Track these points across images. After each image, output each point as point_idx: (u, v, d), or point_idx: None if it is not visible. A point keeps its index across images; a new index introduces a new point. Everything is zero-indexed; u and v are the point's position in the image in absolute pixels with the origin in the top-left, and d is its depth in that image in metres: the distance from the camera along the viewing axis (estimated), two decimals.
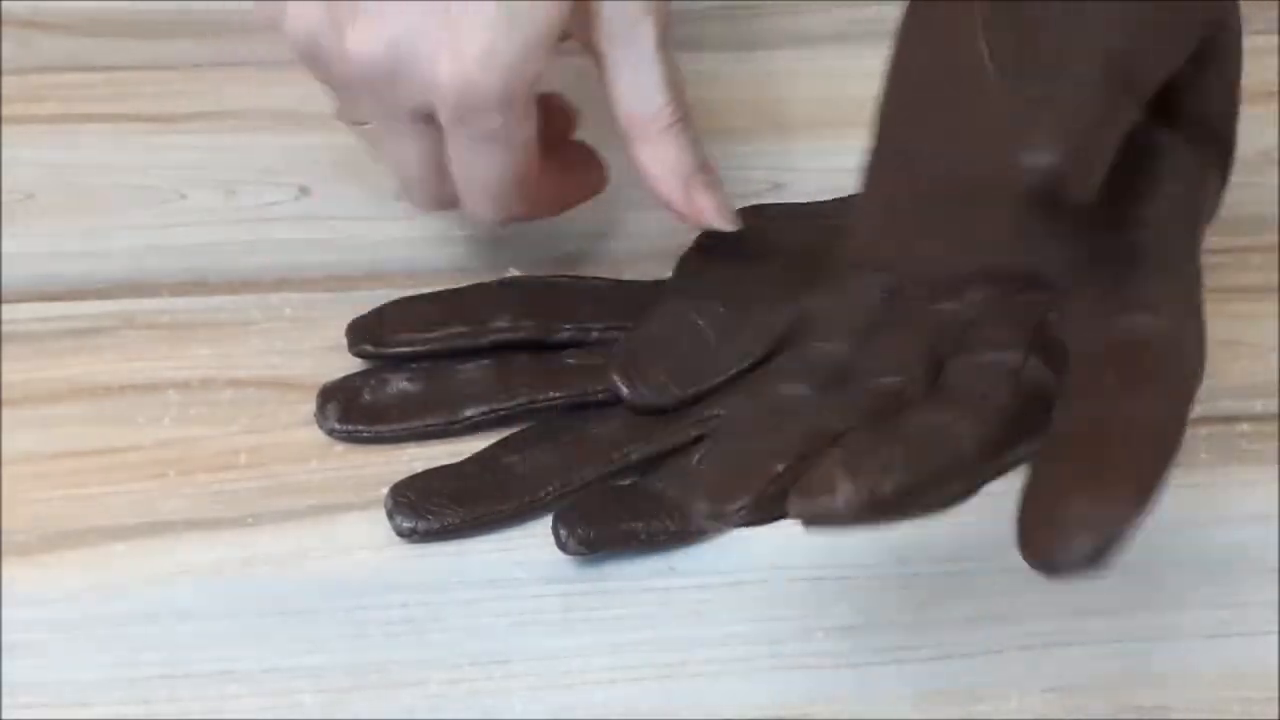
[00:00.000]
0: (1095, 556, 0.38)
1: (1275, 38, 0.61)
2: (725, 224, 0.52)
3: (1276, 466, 0.52)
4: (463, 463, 0.50)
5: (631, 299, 0.53)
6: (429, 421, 0.51)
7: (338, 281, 0.55)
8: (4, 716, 0.46)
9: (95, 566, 0.49)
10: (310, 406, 0.52)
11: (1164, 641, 0.48)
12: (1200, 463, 0.52)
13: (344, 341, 0.53)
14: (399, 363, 0.52)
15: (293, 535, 0.49)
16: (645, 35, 0.50)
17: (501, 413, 0.51)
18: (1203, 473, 0.51)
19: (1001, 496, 0.51)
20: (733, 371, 0.51)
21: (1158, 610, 0.49)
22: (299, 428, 0.52)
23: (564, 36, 0.50)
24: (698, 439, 0.50)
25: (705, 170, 0.51)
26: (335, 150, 0.58)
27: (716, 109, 0.60)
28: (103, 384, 0.53)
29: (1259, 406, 0.53)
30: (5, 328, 0.53)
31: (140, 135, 0.59)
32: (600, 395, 0.51)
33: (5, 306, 0.54)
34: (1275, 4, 0.62)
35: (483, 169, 0.51)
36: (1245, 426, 0.52)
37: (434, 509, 0.49)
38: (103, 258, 0.56)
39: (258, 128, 0.59)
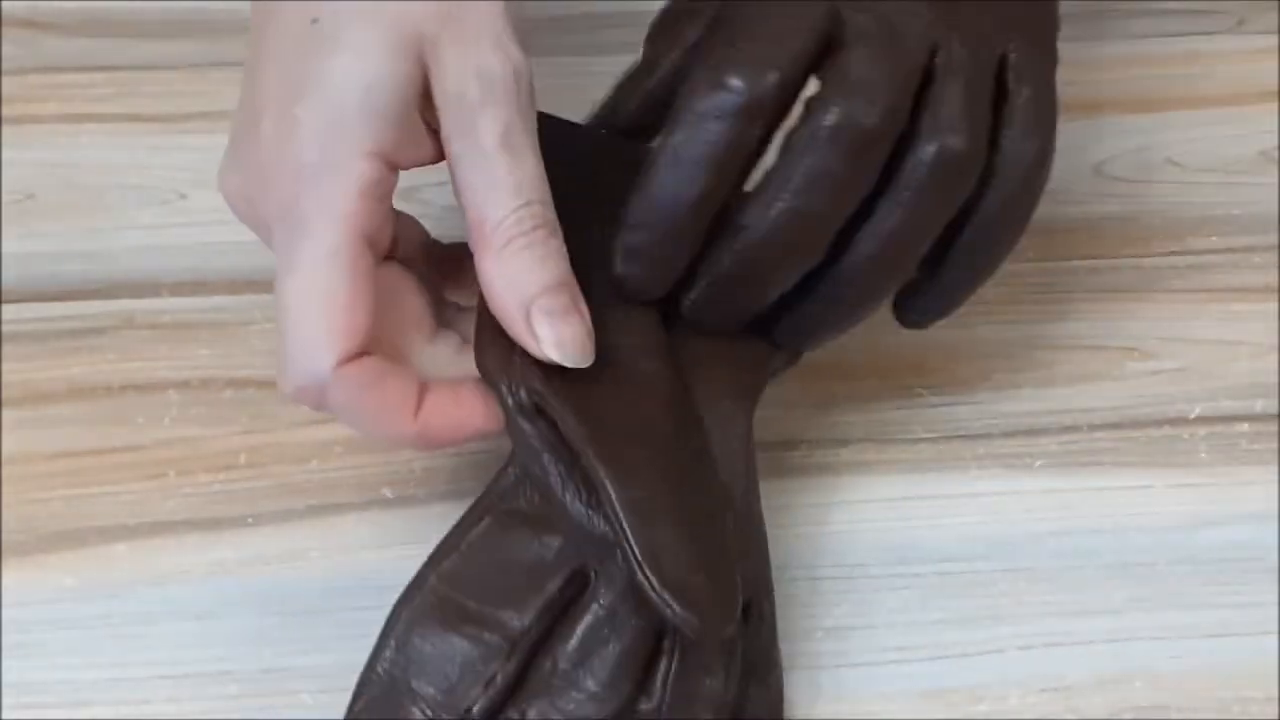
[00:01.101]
0: None
1: (1275, 38, 0.61)
2: (565, 361, 0.43)
3: (1276, 466, 0.52)
4: None
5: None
6: None
7: None
8: (4, 716, 0.46)
9: (95, 566, 0.49)
10: None
11: (1164, 641, 0.48)
12: (1200, 462, 0.52)
13: None
14: None
15: (293, 535, 0.49)
16: (487, 129, 0.43)
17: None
18: (1203, 472, 0.51)
19: (1002, 497, 0.51)
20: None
21: (1158, 610, 0.49)
22: (299, 428, 0.52)
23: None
24: None
25: (554, 293, 0.43)
26: None
27: None
28: (103, 384, 0.53)
29: (1259, 406, 0.53)
30: (5, 328, 0.53)
31: (140, 135, 0.59)
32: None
33: (5, 306, 0.54)
34: (1275, 5, 0.62)
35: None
36: (1245, 426, 0.52)
37: None
38: (103, 258, 0.56)
39: None
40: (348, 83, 0.42)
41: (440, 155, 0.44)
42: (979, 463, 0.52)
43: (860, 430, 0.52)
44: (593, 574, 0.44)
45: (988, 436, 0.52)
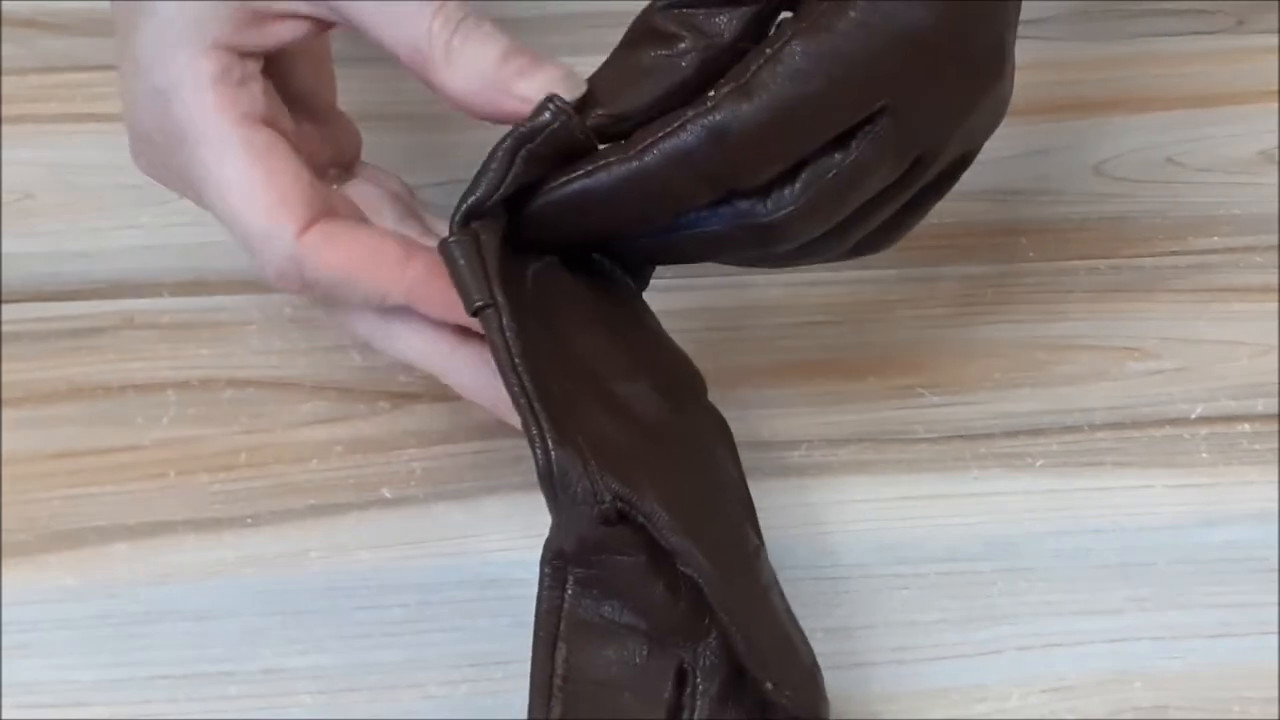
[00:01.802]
0: None
1: (1275, 38, 0.61)
2: (566, 93, 0.42)
3: (1277, 466, 0.52)
4: None
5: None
6: None
7: None
8: (4, 716, 0.46)
9: (95, 566, 0.49)
10: (310, 406, 0.52)
11: (1164, 641, 0.48)
12: (1201, 462, 0.52)
13: (344, 342, 0.53)
14: None
15: (293, 535, 0.49)
16: None
17: None
18: (1203, 472, 0.51)
19: (1002, 497, 0.51)
20: None
21: (1158, 610, 0.49)
22: (299, 428, 0.52)
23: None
24: None
25: (513, 55, 0.42)
26: None
27: None
28: (103, 384, 0.53)
29: (1260, 406, 0.53)
30: (5, 328, 0.53)
31: None
32: None
33: (5, 306, 0.54)
34: (1275, 5, 0.62)
35: None
36: (1246, 426, 0.52)
37: None
38: (103, 258, 0.56)
39: None
40: (166, 13, 0.42)
41: (306, 28, 0.43)
42: (979, 463, 0.52)
43: (860, 430, 0.52)
44: (688, 667, 0.42)
45: (988, 436, 0.52)
